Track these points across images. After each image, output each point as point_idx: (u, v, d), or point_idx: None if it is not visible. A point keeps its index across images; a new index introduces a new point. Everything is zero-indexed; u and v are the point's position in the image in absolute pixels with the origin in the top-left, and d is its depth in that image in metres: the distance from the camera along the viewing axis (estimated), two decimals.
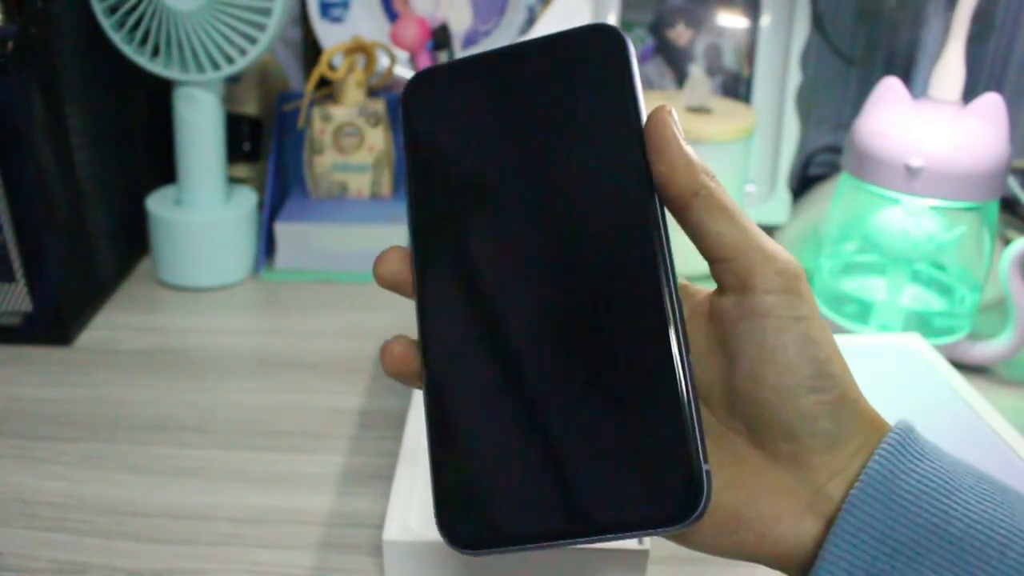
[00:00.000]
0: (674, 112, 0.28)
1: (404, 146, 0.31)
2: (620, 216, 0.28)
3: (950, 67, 0.60)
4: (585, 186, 0.28)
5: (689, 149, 0.28)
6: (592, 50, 0.30)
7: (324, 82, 0.80)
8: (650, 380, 0.26)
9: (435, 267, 0.30)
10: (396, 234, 0.77)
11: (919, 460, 0.27)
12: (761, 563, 0.28)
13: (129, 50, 0.68)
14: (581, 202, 0.28)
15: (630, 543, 0.42)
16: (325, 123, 0.79)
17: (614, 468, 0.26)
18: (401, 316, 0.71)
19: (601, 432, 0.26)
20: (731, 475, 0.28)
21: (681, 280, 0.31)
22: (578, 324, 0.28)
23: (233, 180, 0.79)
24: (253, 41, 0.68)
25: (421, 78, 0.32)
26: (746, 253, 0.28)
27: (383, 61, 0.84)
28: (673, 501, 0.25)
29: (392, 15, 0.88)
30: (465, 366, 0.29)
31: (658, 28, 0.88)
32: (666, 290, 0.27)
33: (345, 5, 0.86)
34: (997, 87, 0.91)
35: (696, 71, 0.79)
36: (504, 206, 0.29)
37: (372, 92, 0.82)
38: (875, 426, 0.28)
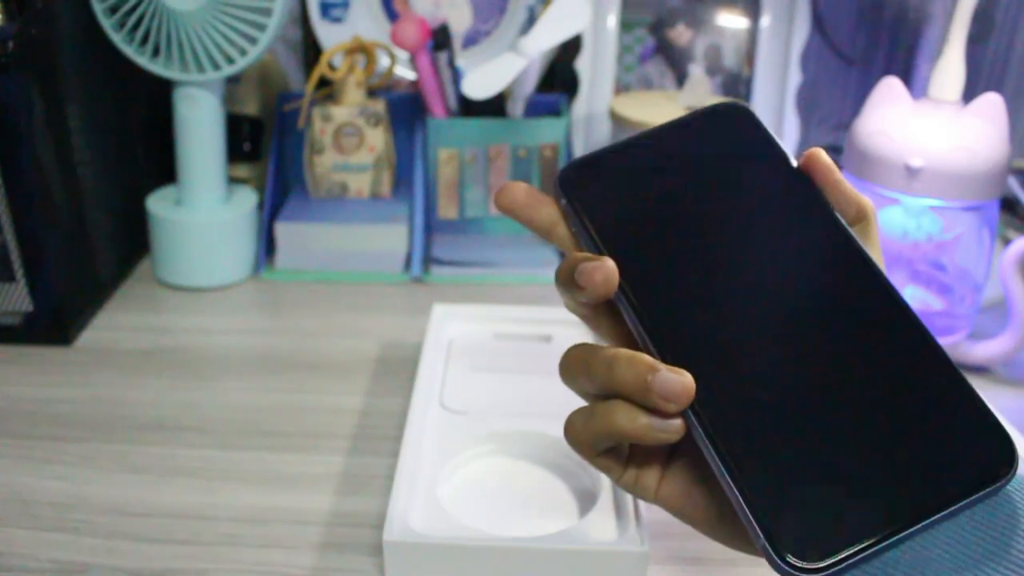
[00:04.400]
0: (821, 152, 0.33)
1: (581, 225, 0.33)
2: (824, 240, 0.31)
3: (950, 67, 0.60)
4: (781, 224, 0.32)
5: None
6: (729, 123, 0.34)
7: (324, 82, 0.80)
8: (925, 371, 0.29)
9: (679, 320, 0.30)
10: (396, 234, 0.77)
11: None
12: None
13: (129, 50, 0.68)
14: (787, 236, 0.32)
15: (631, 545, 0.43)
16: (325, 123, 0.79)
17: (927, 451, 0.27)
18: (402, 316, 0.71)
19: (901, 423, 0.28)
20: None
21: None
22: (840, 338, 0.29)
23: (233, 180, 0.79)
24: (253, 41, 0.68)
25: (575, 167, 0.34)
26: None
27: (383, 61, 0.84)
28: (993, 461, 0.27)
29: (392, 15, 0.88)
30: (749, 397, 0.29)
31: (658, 28, 0.88)
32: (896, 294, 0.30)
33: (345, 5, 0.86)
34: (997, 87, 0.91)
35: (696, 71, 0.79)
36: (720, 253, 0.32)
37: (372, 92, 0.82)
38: None
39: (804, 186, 0.32)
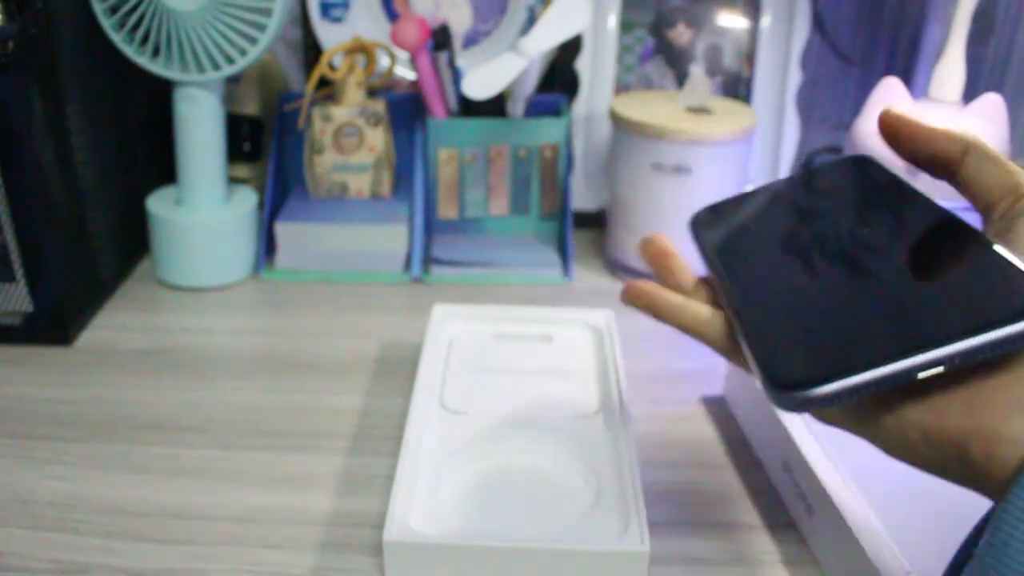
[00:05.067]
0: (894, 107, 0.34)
1: (704, 252, 0.39)
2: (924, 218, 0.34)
3: (950, 67, 0.61)
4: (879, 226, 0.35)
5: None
6: (854, 170, 0.39)
7: (324, 82, 0.80)
8: (951, 240, 0.30)
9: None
10: (396, 234, 0.77)
11: None
12: (973, 484, 0.27)
13: (129, 50, 0.68)
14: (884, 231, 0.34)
15: (631, 545, 0.42)
16: (325, 123, 0.79)
17: (940, 296, 0.28)
18: (402, 316, 0.71)
19: (915, 276, 0.29)
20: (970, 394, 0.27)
21: None
22: (876, 242, 0.33)
23: (233, 180, 0.79)
24: (253, 41, 0.68)
25: (706, 209, 0.41)
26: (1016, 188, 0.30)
27: (383, 61, 0.84)
28: (1013, 299, 0.26)
29: (392, 15, 0.88)
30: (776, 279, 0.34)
31: (658, 28, 0.88)
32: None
33: (345, 5, 0.86)
34: (997, 87, 0.91)
35: (696, 71, 0.79)
36: (823, 253, 0.35)
37: (372, 92, 0.82)
38: None
39: (933, 212, 0.33)
